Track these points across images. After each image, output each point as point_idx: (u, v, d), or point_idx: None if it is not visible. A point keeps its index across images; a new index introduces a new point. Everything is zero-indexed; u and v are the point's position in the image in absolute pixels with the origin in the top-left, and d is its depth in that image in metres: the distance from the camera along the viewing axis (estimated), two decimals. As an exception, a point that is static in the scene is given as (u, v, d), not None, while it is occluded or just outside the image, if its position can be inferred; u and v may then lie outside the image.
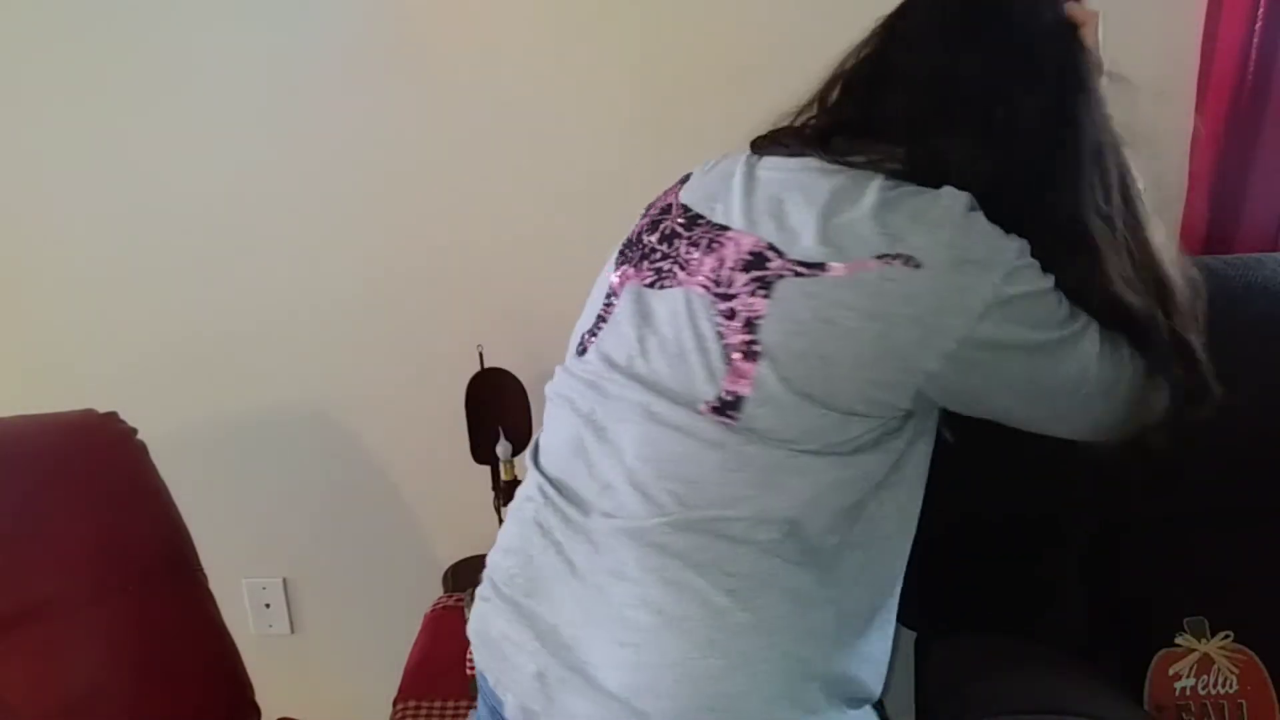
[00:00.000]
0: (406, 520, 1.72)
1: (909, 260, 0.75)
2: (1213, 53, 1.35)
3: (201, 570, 1.22)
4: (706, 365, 0.79)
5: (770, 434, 0.77)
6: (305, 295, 1.60)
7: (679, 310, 0.82)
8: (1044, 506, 1.18)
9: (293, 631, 1.79)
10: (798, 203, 0.81)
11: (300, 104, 1.51)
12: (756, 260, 0.80)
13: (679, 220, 0.88)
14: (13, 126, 1.54)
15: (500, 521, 1.53)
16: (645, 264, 0.88)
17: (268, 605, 1.76)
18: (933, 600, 1.07)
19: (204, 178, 1.55)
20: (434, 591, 1.57)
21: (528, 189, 1.53)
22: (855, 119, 0.88)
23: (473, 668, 1.25)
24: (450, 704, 1.26)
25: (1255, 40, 1.30)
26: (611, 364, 0.86)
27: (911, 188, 0.80)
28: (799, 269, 0.78)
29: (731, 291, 0.80)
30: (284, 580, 1.76)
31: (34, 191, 1.57)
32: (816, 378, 0.76)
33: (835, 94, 0.91)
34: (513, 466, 1.46)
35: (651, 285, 0.86)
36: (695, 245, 0.84)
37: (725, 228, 0.84)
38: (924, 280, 0.75)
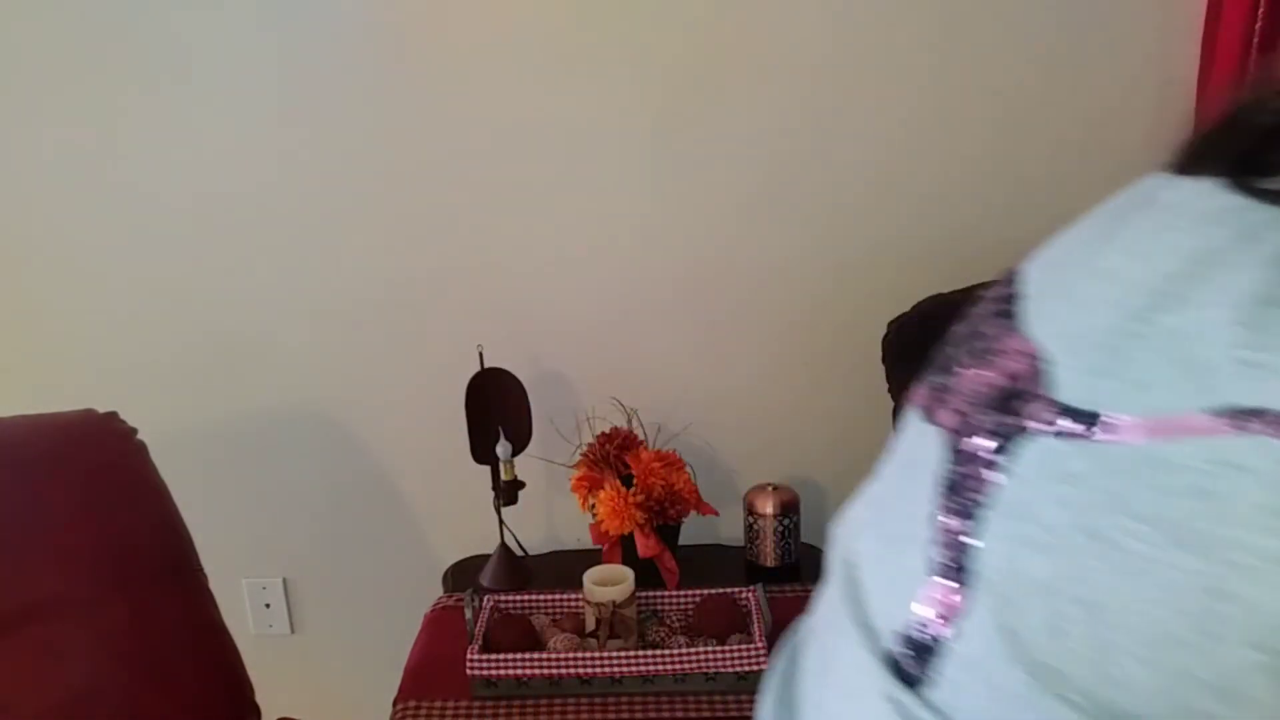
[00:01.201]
0: (406, 520, 1.72)
1: None
2: (1213, 53, 1.36)
3: (201, 570, 1.22)
4: (904, 566, 0.46)
5: None
6: (306, 295, 1.60)
7: (916, 461, 0.48)
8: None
9: (293, 631, 1.79)
10: (1113, 276, 0.43)
11: (301, 106, 1.51)
12: (1009, 392, 0.44)
13: (990, 300, 0.50)
14: (14, 127, 1.54)
15: (500, 521, 1.54)
16: (933, 372, 0.52)
17: (268, 605, 1.76)
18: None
19: (204, 178, 1.55)
20: (434, 591, 1.57)
21: (528, 190, 1.53)
22: None
23: (473, 667, 1.26)
24: (450, 704, 1.26)
25: (1255, 40, 1.30)
26: (847, 528, 0.55)
27: None
28: (1060, 421, 0.40)
29: (969, 447, 0.45)
30: (284, 580, 1.76)
31: (35, 192, 1.57)
32: (1078, 645, 0.38)
33: None
34: (512, 466, 1.46)
35: (926, 409, 0.50)
36: (973, 351, 0.48)
37: (1012, 321, 0.47)
38: None
